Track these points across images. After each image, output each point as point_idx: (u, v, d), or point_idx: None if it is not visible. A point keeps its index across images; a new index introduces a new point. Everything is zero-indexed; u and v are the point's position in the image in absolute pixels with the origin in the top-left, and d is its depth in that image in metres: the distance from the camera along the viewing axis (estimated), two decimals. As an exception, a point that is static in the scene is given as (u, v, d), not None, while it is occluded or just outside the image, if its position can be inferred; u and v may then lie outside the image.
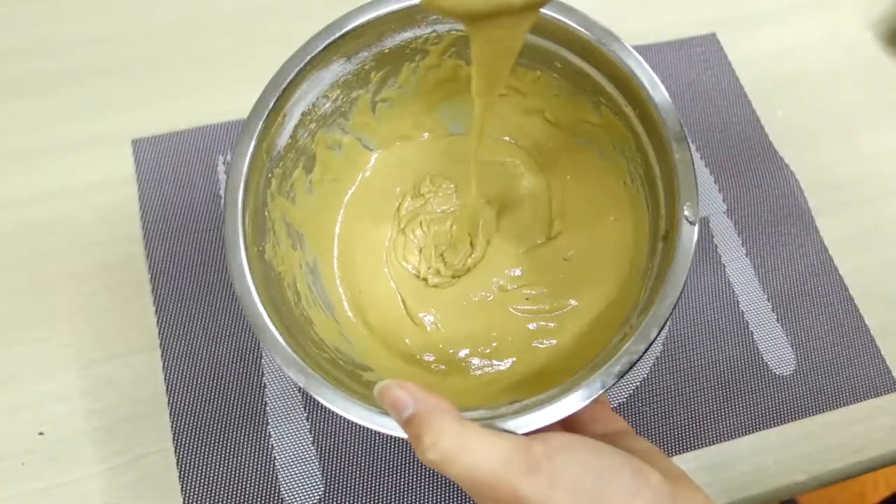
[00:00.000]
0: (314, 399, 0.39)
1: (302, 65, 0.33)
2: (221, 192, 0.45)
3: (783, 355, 0.42)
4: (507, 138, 0.42)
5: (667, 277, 0.29)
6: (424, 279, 0.40)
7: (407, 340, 0.38)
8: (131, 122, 0.47)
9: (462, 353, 0.38)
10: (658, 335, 0.28)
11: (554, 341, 0.37)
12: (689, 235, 0.30)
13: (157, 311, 0.41)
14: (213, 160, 0.46)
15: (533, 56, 0.36)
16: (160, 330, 0.41)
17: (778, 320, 0.43)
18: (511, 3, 0.27)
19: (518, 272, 0.40)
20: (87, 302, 0.42)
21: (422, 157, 0.42)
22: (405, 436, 0.26)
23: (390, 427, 0.27)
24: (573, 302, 0.38)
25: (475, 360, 0.37)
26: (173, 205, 0.44)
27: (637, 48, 0.50)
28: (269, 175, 0.34)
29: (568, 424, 0.31)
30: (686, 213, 0.30)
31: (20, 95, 0.48)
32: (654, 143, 0.33)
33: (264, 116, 0.33)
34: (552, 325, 0.38)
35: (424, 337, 0.38)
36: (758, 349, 0.42)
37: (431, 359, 0.37)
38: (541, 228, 0.40)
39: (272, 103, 0.33)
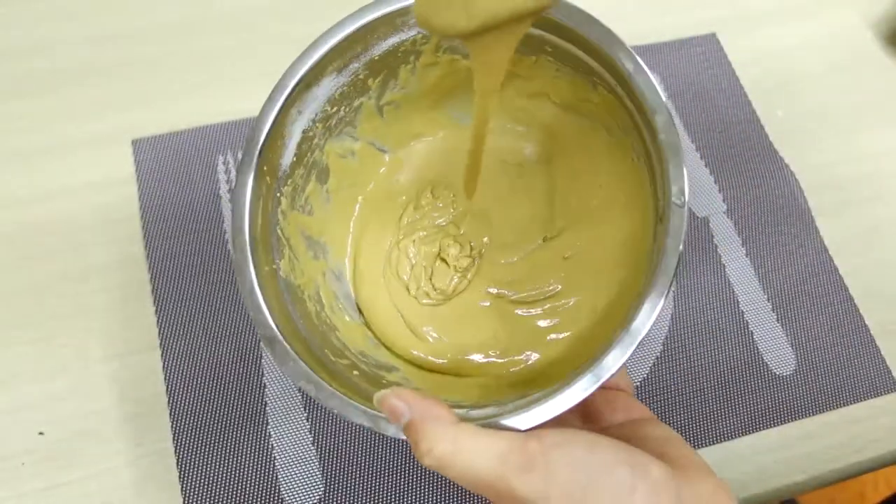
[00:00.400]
0: (315, 400, 0.39)
1: (290, 87, 0.33)
2: (221, 192, 0.45)
3: (783, 355, 0.42)
4: (517, 127, 0.41)
5: (660, 264, 0.29)
6: (416, 297, 0.39)
7: (413, 351, 0.37)
8: (131, 122, 0.47)
9: (472, 357, 0.37)
10: (650, 325, 0.28)
11: (566, 334, 0.37)
12: (679, 220, 0.29)
13: (157, 311, 0.41)
14: (213, 160, 0.46)
15: (524, 43, 0.36)
16: (160, 330, 0.41)
17: (778, 320, 0.43)
18: (498, 15, 0.27)
19: (515, 279, 0.39)
20: (87, 302, 0.42)
21: (437, 155, 0.41)
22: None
23: (395, 432, 0.28)
24: (580, 296, 0.38)
25: (487, 362, 0.37)
26: (173, 205, 0.44)
27: (637, 48, 0.50)
28: (278, 195, 0.34)
29: (589, 413, 0.31)
30: (673, 197, 0.29)
31: (20, 95, 0.48)
32: (644, 123, 0.33)
33: (261, 143, 0.33)
34: (562, 319, 0.38)
35: (429, 347, 0.38)
36: (758, 349, 0.42)
37: (442, 363, 0.37)
38: (538, 230, 0.40)
39: (267, 129, 0.33)
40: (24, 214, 0.44)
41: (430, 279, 0.39)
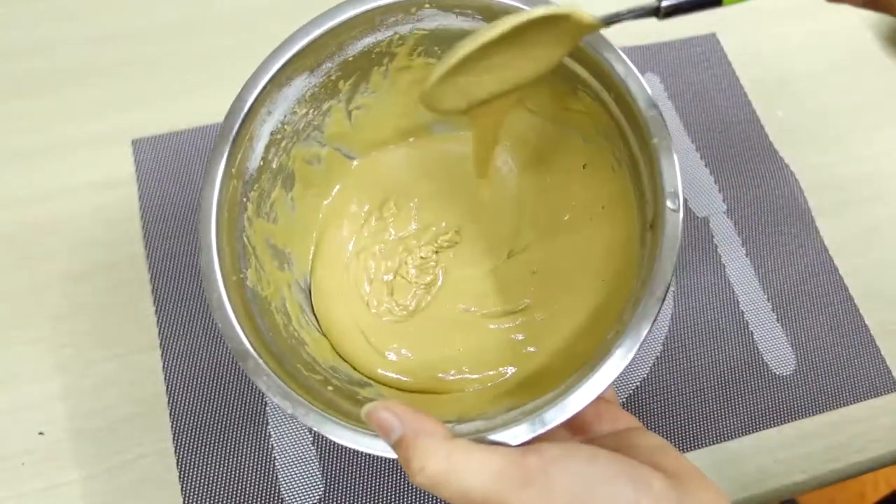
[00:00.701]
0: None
1: (262, 86, 0.33)
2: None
3: (783, 355, 0.42)
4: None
5: (654, 270, 0.28)
6: (378, 314, 0.38)
7: (379, 370, 0.36)
8: (131, 122, 0.47)
9: (443, 375, 0.36)
10: (650, 331, 0.27)
11: (544, 346, 0.36)
12: (674, 224, 0.28)
13: (157, 311, 0.41)
14: (213, 160, 0.46)
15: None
16: (160, 330, 0.41)
17: (778, 320, 0.43)
18: (491, 92, 0.32)
19: (482, 293, 0.38)
20: (87, 302, 0.42)
21: (405, 163, 0.40)
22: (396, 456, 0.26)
23: (381, 449, 0.27)
24: (554, 309, 0.37)
25: (460, 379, 0.36)
26: (173, 205, 0.44)
27: (637, 48, 0.50)
28: (245, 200, 0.33)
29: (575, 424, 0.30)
30: (668, 201, 0.29)
31: (20, 95, 0.48)
32: (633, 128, 0.32)
33: (230, 141, 0.32)
34: (538, 332, 0.36)
35: (395, 366, 0.36)
36: (758, 349, 0.42)
37: (410, 381, 0.36)
38: (504, 245, 0.39)
39: (236, 128, 0.32)
40: (24, 214, 0.44)
41: (392, 295, 0.38)
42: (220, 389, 0.40)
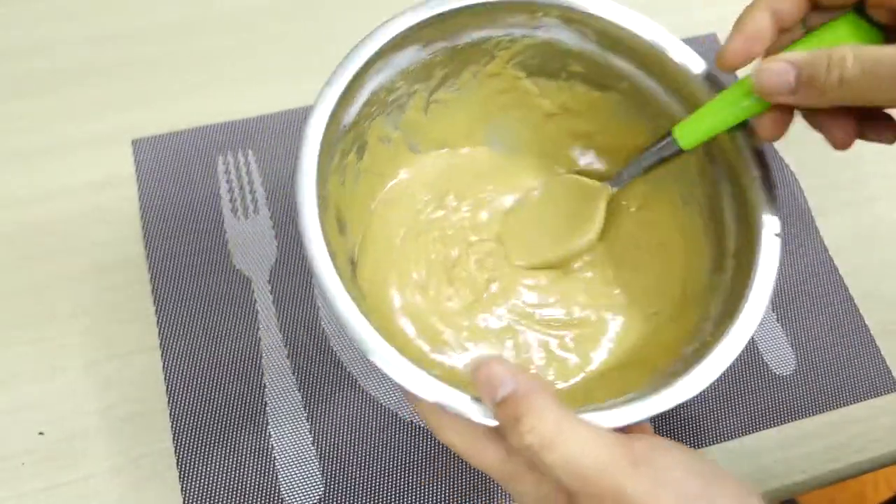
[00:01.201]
0: (314, 399, 0.39)
1: (387, 40, 0.31)
2: (221, 192, 0.45)
3: (783, 355, 0.42)
4: (559, 168, 0.40)
5: (748, 288, 0.30)
6: (435, 301, 0.37)
7: (431, 355, 0.35)
8: (131, 122, 0.47)
9: None
10: (745, 342, 0.29)
11: (590, 362, 0.36)
12: (774, 247, 0.31)
13: (157, 311, 0.41)
14: (213, 160, 0.46)
15: (599, 75, 0.35)
16: (160, 330, 0.41)
17: (778, 320, 0.43)
18: (550, 262, 0.38)
19: (537, 304, 0.38)
20: (87, 302, 0.42)
21: (459, 169, 0.40)
22: (492, 423, 0.24)
23: (484, 417, 0.25)
24: (608, 328, 0.37)
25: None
26: (173, 205, 0.44)
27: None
28: (333, 150, 0.32)
29: None
30: (772, 228, 0.31)
31: (20, 95, 0.48)
32: (720, 163, 0.33)
33: (348, 80, 0.31)
34: (587, 347, 0.37)
35: (447, 352, 0.36)
36: (758, 349, 0.42)
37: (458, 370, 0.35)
38: (562, 260, 0.39)
39: (353, 75, 0.31)
40: (24, 214, 0.44)
41: (451, 284, 0.38)
42: (220, 389, 0.40)
